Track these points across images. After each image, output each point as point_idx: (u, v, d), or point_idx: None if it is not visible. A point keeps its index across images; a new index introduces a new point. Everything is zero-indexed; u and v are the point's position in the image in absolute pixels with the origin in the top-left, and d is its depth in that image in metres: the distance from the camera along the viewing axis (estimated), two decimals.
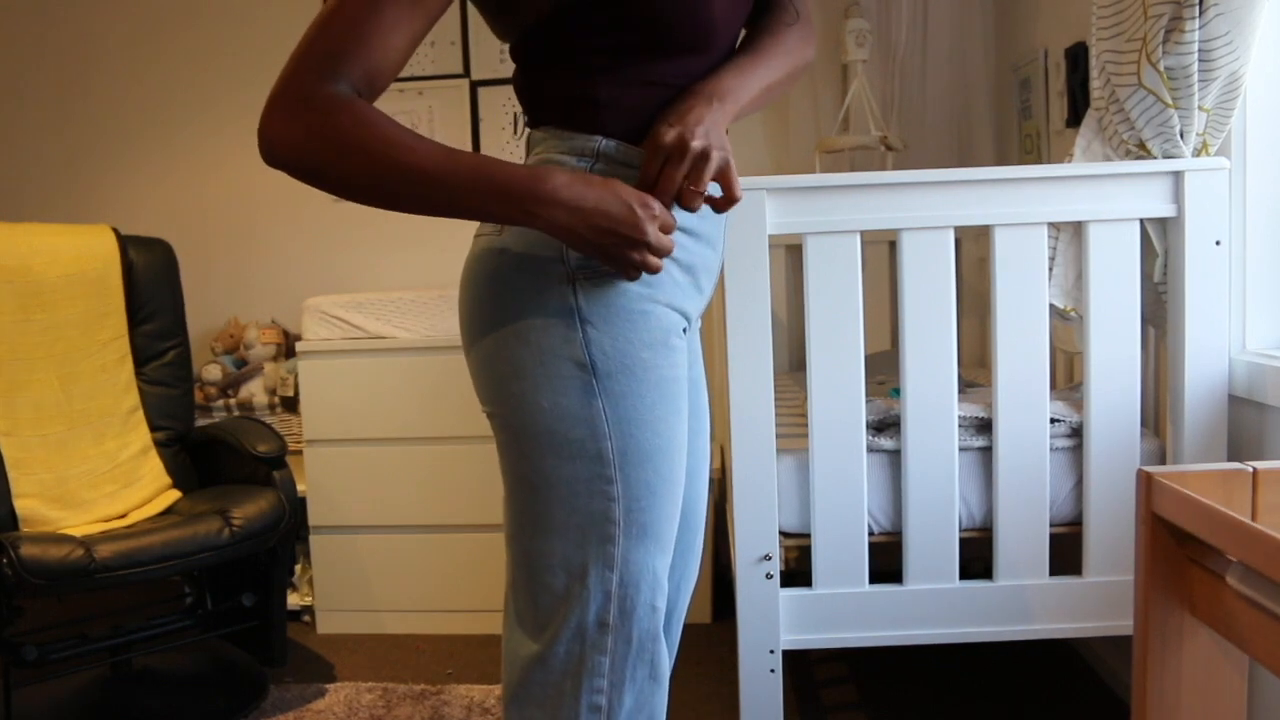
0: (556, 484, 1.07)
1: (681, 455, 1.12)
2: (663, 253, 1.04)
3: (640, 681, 1.11)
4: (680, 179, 1.03)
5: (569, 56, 1.06)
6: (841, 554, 1.73)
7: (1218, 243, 1.64)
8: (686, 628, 2.75)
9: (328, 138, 0.93)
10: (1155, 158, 1.68)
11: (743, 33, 1.21)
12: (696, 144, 1.02)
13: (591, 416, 1.06)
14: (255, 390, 3.08)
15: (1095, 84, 1.78)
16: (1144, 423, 1.77)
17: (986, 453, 1.75)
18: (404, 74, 3.12)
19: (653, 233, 1.01)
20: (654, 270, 1.04)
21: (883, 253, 2.85)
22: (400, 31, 0.96)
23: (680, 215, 1.10)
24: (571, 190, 0.99)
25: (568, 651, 1.09)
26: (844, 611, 1.74)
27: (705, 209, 1.13)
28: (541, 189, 0.98)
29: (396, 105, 3.13)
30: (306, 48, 0.94)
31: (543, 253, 1.06)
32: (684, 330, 1.13)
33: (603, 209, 0.99)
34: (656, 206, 1.02)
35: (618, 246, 1.01)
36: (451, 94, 3.15)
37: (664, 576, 1.11)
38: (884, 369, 2.32)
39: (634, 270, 1.04)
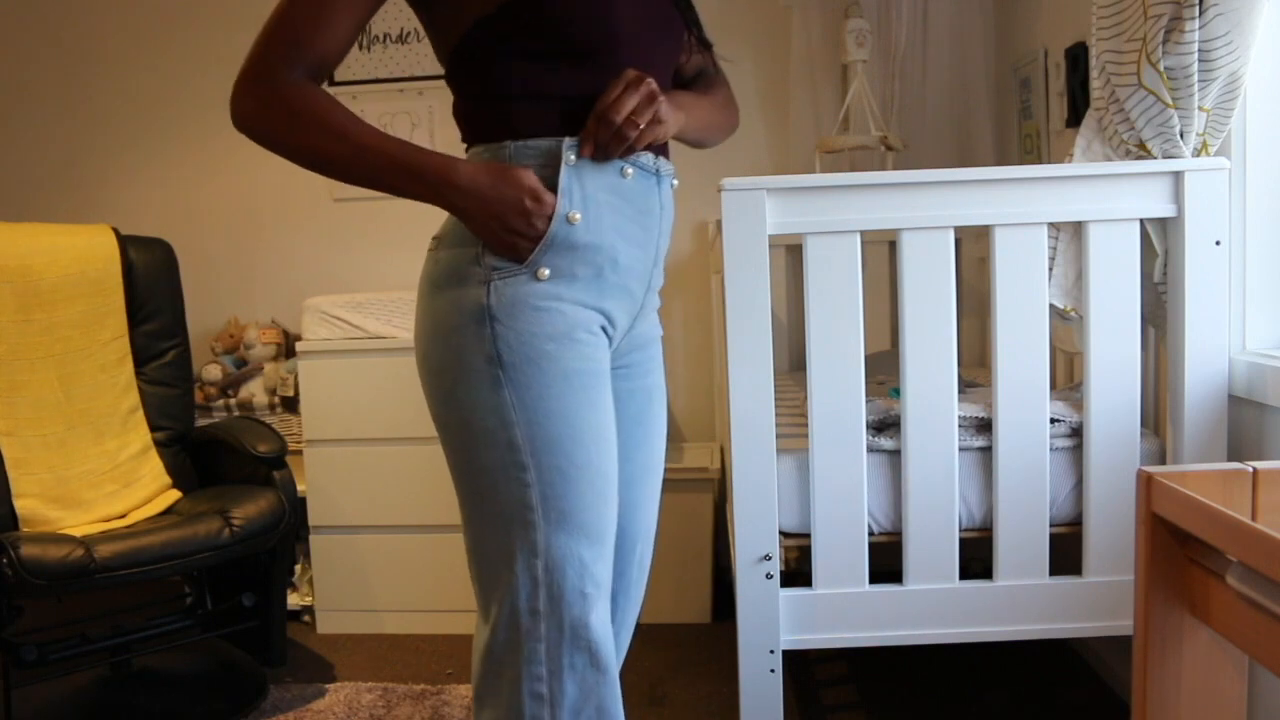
0: (479, 473, 1.15)
1: (601, 445, 1.16)
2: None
3: (581, 670, 1.14)
4: (632, 105, 1.12)
5: (485, 76, 1.15)
6: (841, 554, 1.73)
7: (1218, 243, 1.64)
8: (687, 628, 2.75)
9: (279, 113, 1.09)
10: (1155, 158, 1.68)
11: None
12: (653, 85, 1.13)
13: (499, 406, 1.13)
14: (255, 390, 3.08)
15: (1095, 84, 1.78)
16: (1144, 423, 1.77)
17: (986, 453, 1.75)
18: (404, 74, 3.12)
19: (540, 225, 1.12)
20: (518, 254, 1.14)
21: (883, 253, 2.84)
22: (346, 21, 1.10)
23: (610, 214, 1.17)
24: (475, 181, 1.11)
25: (507, 638, 1.14)
26: (844, 611, 1.74)
27: (628, 208, 1.19)
28: (449, 174, 1.11)
29: (397, 105, 3.13)
30: (268, 35, 1.09)
31: (464, 260, 1.15)
32: (602, 328, 1.19)
33: (497, 194, 1.11)
34: (547, 199, 1.12)
35: (506, 233, 1.12)
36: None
37: (595, 565, 1.15)
38: (884, 369, 2.32)
39: (509, 251, 1.13)
